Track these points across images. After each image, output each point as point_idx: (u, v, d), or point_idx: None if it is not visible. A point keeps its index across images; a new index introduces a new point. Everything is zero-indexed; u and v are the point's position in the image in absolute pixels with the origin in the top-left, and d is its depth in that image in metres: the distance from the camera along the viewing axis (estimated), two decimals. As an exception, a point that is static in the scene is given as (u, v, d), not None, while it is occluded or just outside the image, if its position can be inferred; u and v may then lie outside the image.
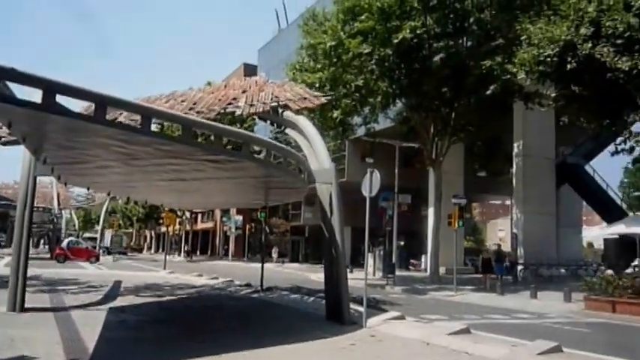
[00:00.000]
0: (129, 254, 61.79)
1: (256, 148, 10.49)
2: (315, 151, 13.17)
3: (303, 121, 14.10)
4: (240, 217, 61.91)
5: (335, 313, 12.07)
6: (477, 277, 25.59)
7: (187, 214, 61.31)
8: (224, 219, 64.40)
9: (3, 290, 12.15)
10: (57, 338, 8.58)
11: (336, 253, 12.28)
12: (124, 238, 72.66)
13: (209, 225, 74.21)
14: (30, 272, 24.18)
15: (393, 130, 29.67)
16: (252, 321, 12.50)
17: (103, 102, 7.15)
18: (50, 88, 6.60)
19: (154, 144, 8.24)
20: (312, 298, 17.11)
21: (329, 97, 17.75)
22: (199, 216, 74.99)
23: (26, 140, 8.79)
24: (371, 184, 12.03)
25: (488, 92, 21.48)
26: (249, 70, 54.22)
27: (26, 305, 11.60)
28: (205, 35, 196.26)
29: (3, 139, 16.50)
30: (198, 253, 73.21)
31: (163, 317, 12.57)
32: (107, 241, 54.00)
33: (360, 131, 29.49)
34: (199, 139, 10.35)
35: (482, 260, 23.89)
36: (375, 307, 14.48)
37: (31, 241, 52.26)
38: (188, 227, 66.97)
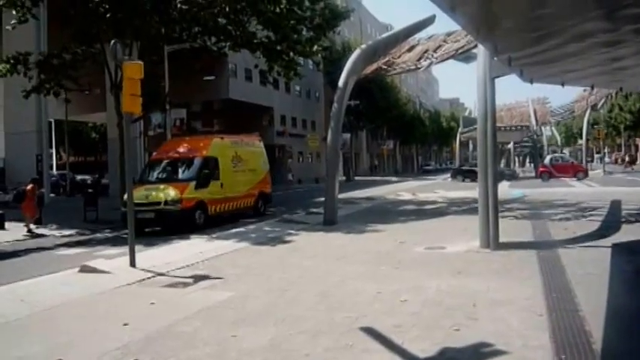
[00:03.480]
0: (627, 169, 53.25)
1: None
2: None
3: None
4: None
5: None
6: None
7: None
8: None
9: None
10: (539, 302, 5.62)
11: None
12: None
13: None
14: (513, 193, 22.94)
15: None
16: None
17: None
18: None
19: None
20: None
21: None
22: None
23: (469, 24, 5.95)
24: None
25: None
26: None
27: (502, 239, 9.23)
28: None
29: (460, 50, 14.46)
30: None
31: None
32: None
33: None
34: None
35: None
36: None
37: (517, 160, 52.07)
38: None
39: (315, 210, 17.22)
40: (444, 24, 67.50)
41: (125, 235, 13.33)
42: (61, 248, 11.59)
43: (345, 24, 57.03)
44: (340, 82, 14.72)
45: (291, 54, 21.00)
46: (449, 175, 44.60)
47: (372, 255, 9.05)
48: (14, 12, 16.05)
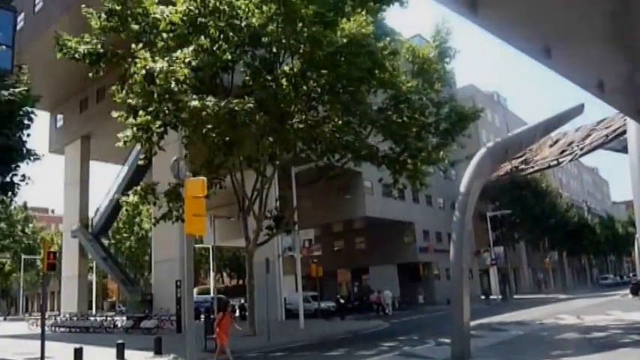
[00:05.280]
0: None
1: None
2: None
3: None
4: None
5: None
6: None
7: None
8: None
9: None
10: None
11: None
12: None
13: None
14: None
15: None
16: None
17: None
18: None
19: None
20: None
21: None
22: None
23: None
24: None
25: None
26: None
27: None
28: None
29: (610, 136, 12.21)
30: None
31: None
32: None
33: None
34: None
35: None
36: None
37: None
38: None
39: (448, 340, 14.68)
40: (599, 112, 61.54)
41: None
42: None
43: (489, 129, 54.90)
44: (462, 187, 12.89)
45: (418, 163, 19.84)
46: (628, 290, 37.47)
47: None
48: (139, 146, 17.28)
